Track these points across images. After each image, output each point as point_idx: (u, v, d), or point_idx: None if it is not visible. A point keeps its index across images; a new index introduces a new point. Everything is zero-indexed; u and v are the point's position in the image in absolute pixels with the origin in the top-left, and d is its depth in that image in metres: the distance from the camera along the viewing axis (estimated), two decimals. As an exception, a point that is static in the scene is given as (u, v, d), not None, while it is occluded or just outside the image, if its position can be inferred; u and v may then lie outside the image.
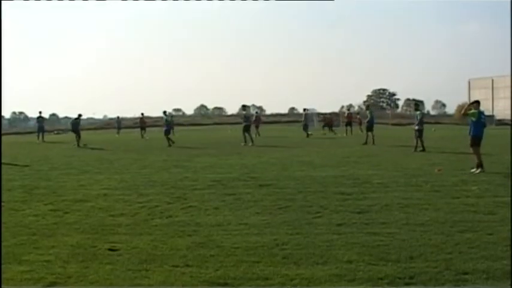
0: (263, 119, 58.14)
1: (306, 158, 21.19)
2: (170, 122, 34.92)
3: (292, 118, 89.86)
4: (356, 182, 13.66)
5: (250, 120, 33.03)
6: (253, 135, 33.59)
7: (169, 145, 30.93)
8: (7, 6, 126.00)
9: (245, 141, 30.47)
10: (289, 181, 14.09)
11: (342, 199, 11.19)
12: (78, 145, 33.14)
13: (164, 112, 35.10)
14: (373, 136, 29.67)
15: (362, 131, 36.24)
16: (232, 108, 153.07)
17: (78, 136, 34.12)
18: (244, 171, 16.61)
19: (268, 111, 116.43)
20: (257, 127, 43.35)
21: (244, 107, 36.69)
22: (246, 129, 31.21)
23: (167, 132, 32.80)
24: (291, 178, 14.69)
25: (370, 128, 30.17)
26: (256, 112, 55.95)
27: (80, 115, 37.01)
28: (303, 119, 44.09)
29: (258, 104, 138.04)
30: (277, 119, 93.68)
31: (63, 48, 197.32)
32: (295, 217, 9.46)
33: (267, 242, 7.72)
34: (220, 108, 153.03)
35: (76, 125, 35.28)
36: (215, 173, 16.27)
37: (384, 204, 10.54)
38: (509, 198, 10.68)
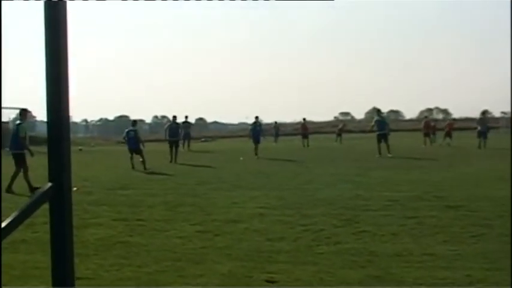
0: (442, 124, 57.25)
1: (505, 173, 20.25)
2: (132, 132, 27.38)
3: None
4: None
5: (387, 127, 32.78)
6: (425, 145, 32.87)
7: (132, 166, 25.80)
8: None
9: (379, 153, 31.20)
10: (484, 202, 13.55)
11: (554, 227, 10.59)
12: (172, 158, 30.26)
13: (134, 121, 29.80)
14: None
15: None
16: (411, 112, 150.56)
17: (183, 143, 32.87)
18: (427, 189, 16.22)
19: (456, 115, 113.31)
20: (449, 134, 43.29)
21: (378, 111, 35.91)
22: (382, 138, 31.81)
23: (130, 148, 27.18)
24: (486, 198, 14.12)
25: None
26: (451, 118, 54.85)
27: (186, 117, 34.49)
28: (477, 124, 41.41)
29: (442, 107, 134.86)
30: (466, 125, 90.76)
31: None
32: (493, 248, 9.05)
33: (458, 278, 7.45)
34: (396, 112, 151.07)
35: (181, 129, 35.02)
36: (392, 190, 16.04)
37: None
38: None
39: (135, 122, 28.22)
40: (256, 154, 33.37)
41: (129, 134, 26.74)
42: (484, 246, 9.18)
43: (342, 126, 58.64)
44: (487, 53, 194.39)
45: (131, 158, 25.91)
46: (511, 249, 8.26)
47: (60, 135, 2.05)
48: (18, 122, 18.60)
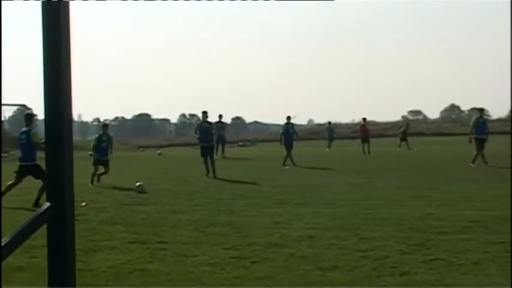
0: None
1: None
2: (104, 140, 25.71)
3: None
4: None
5: (483, 130, 32.26)
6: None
7: (92, 181, 24.47)
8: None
9: (473, 161, 30.83)
10: None
11: None
12: (207, 170, 28.38)
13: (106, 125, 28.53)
14: None
15: None
16: (499, 110, 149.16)
17: (216, 147, 34.52)
18: (518, 207, 16.06)
19: None
20: None
21: (481, 110, 35.00)
22: (481, 143, 31.34)
23: (96, 160, 25.54)
24: None
25: None
26: None
27: (220, 116, 34.16)
28: None
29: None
30: None
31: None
32: None
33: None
34: (480, 110, 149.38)
35: (214, 130, 34.98)
36: (473, 208, 15.88)
37: None
38: None
39: (105, 125, 27.44)
40: (284, 164, 33.69)
41: (101, 143, 25.39)
42: None
43: (406, 127, 57.63)
44: None
45: (94, 174, 24.71)
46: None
47: (60, 147, 2.07)
48: (25, 129, 18.57)
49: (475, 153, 31.01)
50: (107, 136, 25.49)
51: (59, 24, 2.09)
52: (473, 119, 33.61)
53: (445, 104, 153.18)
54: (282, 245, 11.84)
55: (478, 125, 31.98)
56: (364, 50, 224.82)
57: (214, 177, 27.03)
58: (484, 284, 8.87)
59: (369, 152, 46.43)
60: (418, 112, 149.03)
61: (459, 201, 17.43)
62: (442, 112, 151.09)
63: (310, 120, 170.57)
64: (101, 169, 24.96)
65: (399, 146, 53.31)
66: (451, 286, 8.85)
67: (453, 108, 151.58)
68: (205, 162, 28.60)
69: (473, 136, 31.79)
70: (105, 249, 11.64)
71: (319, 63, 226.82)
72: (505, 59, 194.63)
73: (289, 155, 34.19)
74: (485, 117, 33.18)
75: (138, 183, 21.91)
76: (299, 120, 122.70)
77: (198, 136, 30.09)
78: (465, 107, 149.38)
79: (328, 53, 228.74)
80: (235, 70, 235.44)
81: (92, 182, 24.10)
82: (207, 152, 29.00)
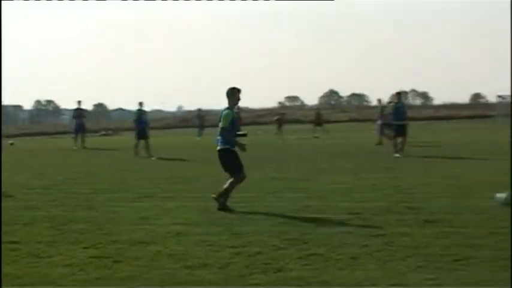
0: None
1: (497, 176, 20.42)
2: None
3: (478, 111, 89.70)
4: None
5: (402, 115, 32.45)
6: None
7: None
8: None
9: (396, 151, 30.63)
10: (471, 215, 13.72)
11: None
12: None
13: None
14: None
15: None
16: (380, 96, 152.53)
17: (75, 137, 35.68)
18: (397, 197, 16.38)
19: (437, 100, 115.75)
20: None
21: (399, 94, 35.29)
22: (401, 130, 31.18)
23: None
24: (474, 210, 14.31)
25: None
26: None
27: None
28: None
29: (420, 90, 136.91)
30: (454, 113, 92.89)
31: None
32: (484, 276, 9.12)
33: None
34: (360, 96, 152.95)
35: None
36: (352, 200, 16.20)
37: None
38: None
39: None
40: (137, 153, 33.55)
41: None
42: (471, 274, 9.23)
43: (281, 115, 58.01)
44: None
45: None
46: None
47: None
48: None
49: (393, 141, 31.14)
50: None
51: None
52: (392, 104, 33.73)
53: (324, 90, 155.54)
54: (148, 242, 11.79)
55: (396, 111, 31.71)
56: (239, 29, 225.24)
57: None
58: (362, 280, 9.00)
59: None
60: (295, 98, 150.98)
61: (338, 192, 17.71)
62: (320, 98, 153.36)
63: (180, 107, 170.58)
64: None
65: (276, 134, 53.46)
66: (327, 282, 8.95)
67: (332, 94, 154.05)
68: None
69: (393, 122, 31.62)
70: None
71: (188, 45, 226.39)
72: (385, 44, 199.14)
73: (137, 144, 33.88)
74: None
75: None
76: (168, 106, 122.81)
77: None
78: (344, 92, 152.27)
79: (198, 34, 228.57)
80: (98, 53, 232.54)
81: None
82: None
